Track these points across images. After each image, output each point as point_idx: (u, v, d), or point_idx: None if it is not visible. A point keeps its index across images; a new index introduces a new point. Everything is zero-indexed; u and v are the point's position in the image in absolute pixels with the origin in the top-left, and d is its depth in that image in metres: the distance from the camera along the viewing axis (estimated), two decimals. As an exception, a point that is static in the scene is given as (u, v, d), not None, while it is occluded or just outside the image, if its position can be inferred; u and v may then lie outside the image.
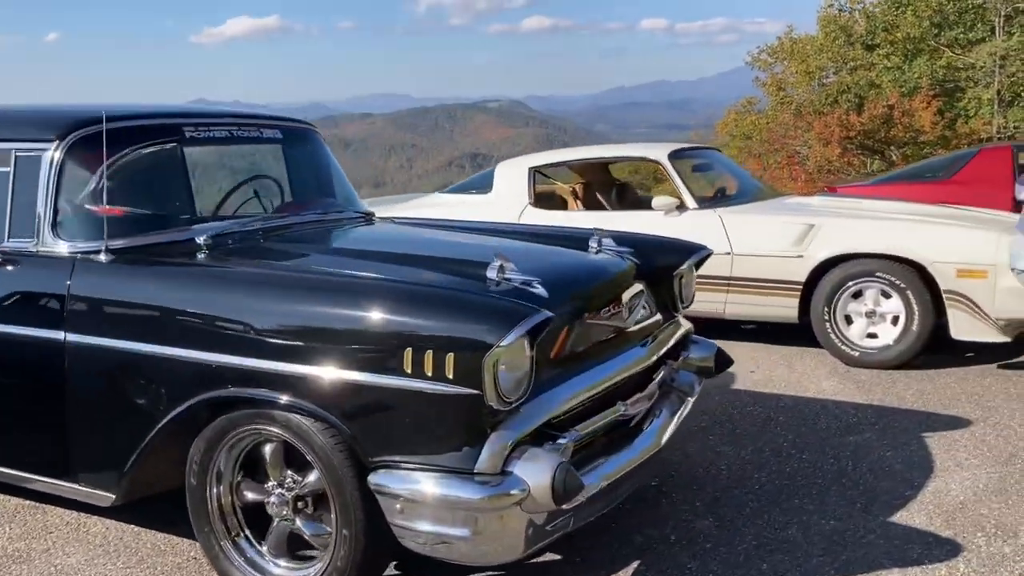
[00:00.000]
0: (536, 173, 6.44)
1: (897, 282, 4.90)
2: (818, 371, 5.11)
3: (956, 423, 4.17)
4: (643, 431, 2.93)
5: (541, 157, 6.74)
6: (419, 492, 2.28)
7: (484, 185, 6.61)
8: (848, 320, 5.13)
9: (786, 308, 5.26)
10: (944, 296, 4.81)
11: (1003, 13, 25.80)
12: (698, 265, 3.62)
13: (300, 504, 2.54)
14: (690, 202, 5.66)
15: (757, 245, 5.31)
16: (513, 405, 2.29)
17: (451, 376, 2.22)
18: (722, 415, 4.34)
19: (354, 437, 2.34)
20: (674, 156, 5.93)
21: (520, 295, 2.51)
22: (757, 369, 5.16)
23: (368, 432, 2.35)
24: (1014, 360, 5.13)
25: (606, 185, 6.90)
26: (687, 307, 3.57)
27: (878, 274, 4.96)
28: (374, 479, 2.34)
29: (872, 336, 5.09)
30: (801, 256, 5.14)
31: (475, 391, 2.21)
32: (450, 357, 2.21)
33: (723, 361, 3.52)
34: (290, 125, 3.98)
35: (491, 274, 2.57)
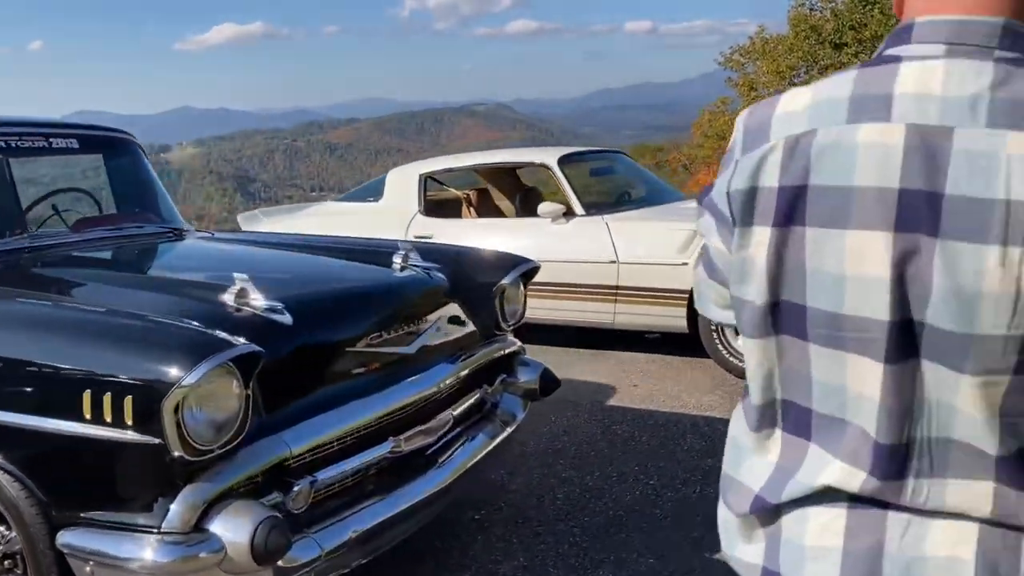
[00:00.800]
0: (427, 180, 6.18)
1: None
2: (704, 384, 4.88)
3: None
4: (435, 465, 2.67)
5: (433, 163, 6.49)
6: (106, 554, 2.00)
7: (376, 192, 6.32)
8: (736, 329, 4.70)
9: (675, 318, 4.99)
10: None
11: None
12: (527, 279, 3.35)
13: (7, 563, 2.25)
14: (578, 208, 5.40)
15: (642, 252, 5.05)
16: (214, 452, 2.02)
17: (129, 421, 1.93)
18: (581, 435, 4.07)
19: (40, 490, 2.07)
20: (565, 161, 5.68)
21: (251, 323, 2.24)
22: (641, 383, 4.91)
23: (54, 485, 2.07)
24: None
25: (511, 191, 6.65)
26: (515, 325, 3.30)
27: None
28: (62, 538, 2.05)
29: None
30: (686, 263, 4.81)
31: (155, 439, 1.93)
32: (128, 399, 1.93)
33: (549, 383, 3.23)
34: (96, 135, 3.70)
35: (228, 299, 2.30)
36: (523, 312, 3.35)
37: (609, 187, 6.30)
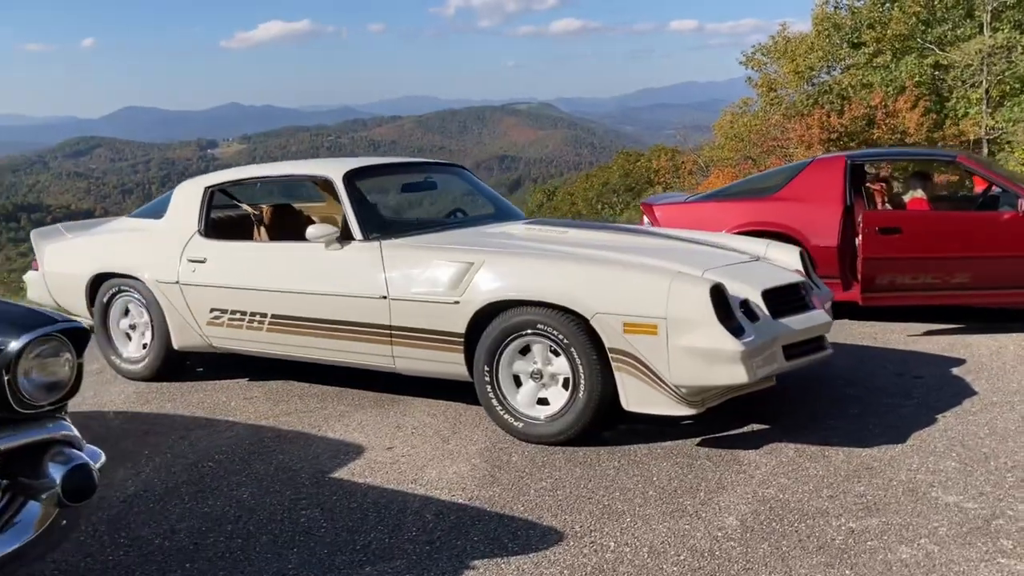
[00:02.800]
0: (214, 193, 5.40)
1: (560, 336, 3.93)
2: (468, 449, 4.07)
3: (545, 537, 3.17)
4: None
5: (223, 175, 5.59)
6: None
7: (162, 209, 5.52)
8: (518, 381, 4.17)
9: (454, 364, 4.30)
10: (610, 356, 3.85)
11: (990, 8, 25.58)
12: (78, 347, 2.63)
13: None
14: (357, 232, 4.65)
15: (411, 287, 4.33)
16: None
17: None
18: (260, 516, 3.43)
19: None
20: (357, 175, 4.97)
21: None
22: (400, 444, 4.20)
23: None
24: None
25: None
26: (54, 404, 2.60)
27: (540, 326, 3.97)
28: None
29: (543, 402, 4.11)
30: (457, 302, 4.19)
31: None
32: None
33: (80, 485, 2.49)
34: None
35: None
36: (71, 386, 2.62)
37: (425, 206, 5.94)
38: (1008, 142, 24.72)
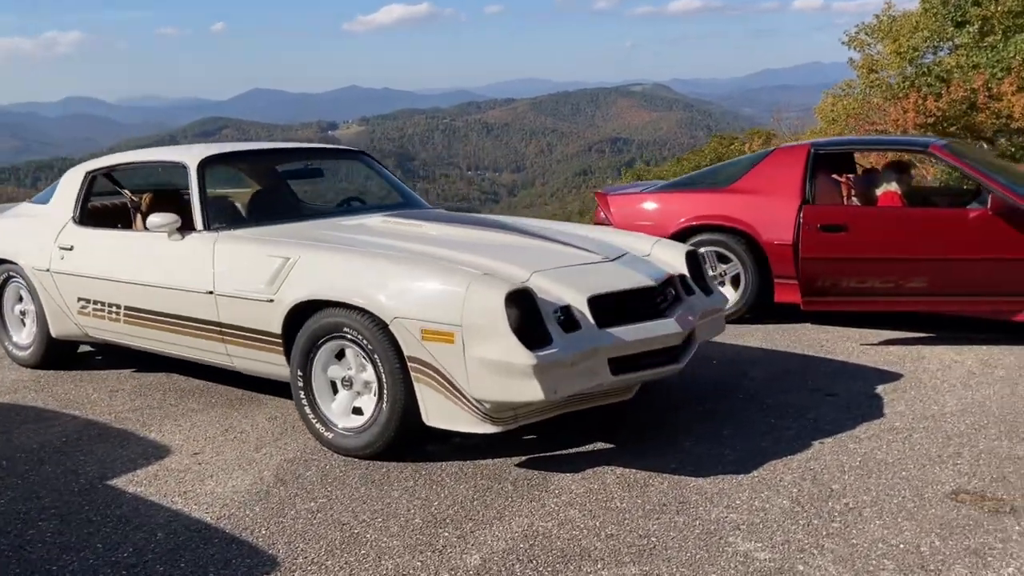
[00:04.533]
0: (94, 179, 5.17)
1: (364, 342, 3.61)
2: (272, 460, 3.76)
3: (255, 569, 2.87)
4: None
5: (103, 160, 5.35)
6: None
7: (51, 194, 5.37)
8: (336, 388, 3.87)
9: (279, 366, 4.02)
10: (408, 365, 3.50)
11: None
12: None
13: None
14: (198, 222, 4.42)
15: (235, 283, 4.09)
16: None
17: None
18: None
19: None
20: (210, 163, 4.69)
21: None
22: (207, 451, 3.92)
23: None
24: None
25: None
26: None
27: (345, 329, 3.67)
28: None
29: (358, 412, 3.80)
30: (272, 300, 3.90)
31: None
32: None
33: None
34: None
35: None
36: None
37: (300, 194, 5.53)
38: None
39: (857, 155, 6.94)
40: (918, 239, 5.28)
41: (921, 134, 25.29)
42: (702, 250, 6.13)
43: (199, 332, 4.28)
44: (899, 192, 5.88)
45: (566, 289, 3.60)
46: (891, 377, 4.82)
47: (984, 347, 5.34)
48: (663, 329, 3.71)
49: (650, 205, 6.43)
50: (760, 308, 6.10)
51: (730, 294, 6.10)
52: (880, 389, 4.61)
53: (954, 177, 7.85)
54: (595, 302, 3.59)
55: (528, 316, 3.38)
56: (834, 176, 6.20)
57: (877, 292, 5.33)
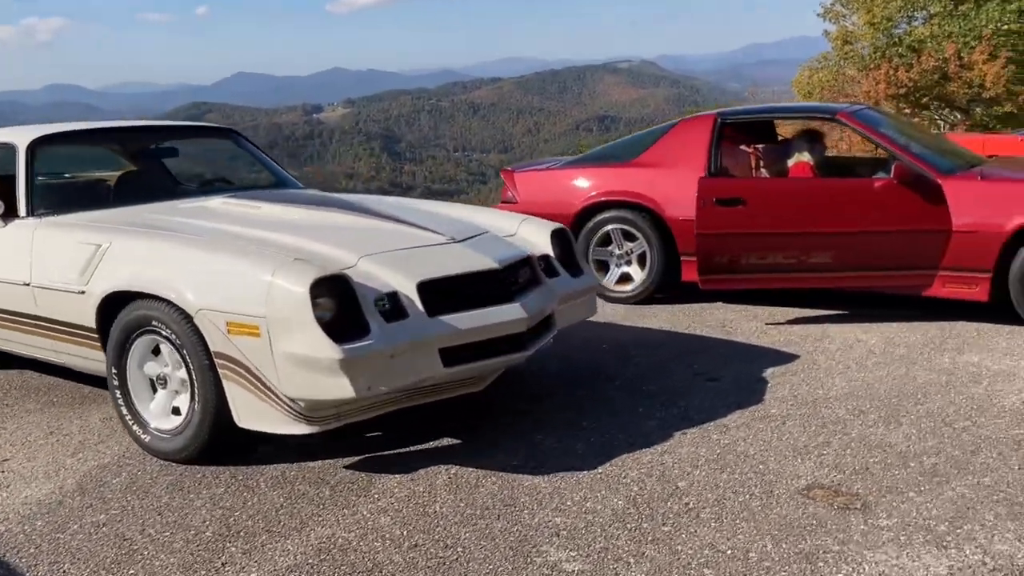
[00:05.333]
0: None
1: (174, 336, 3.33)
2: (85, 466, 3.47)
3: None
4: None
5: None
6: None
7: None
8: (153, 386, 3.54)
9: (100, 362, 3.67)
10: (216, 361, 3.19)
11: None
12: None
13: None
14: (21, 208, 4.06)
15: (50, 273, 3.76)
16: None
17: None
18: None
19: None
20: (42, 143, 4.31)
21: None
22: (18, 457, 3.63)
23: None
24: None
25: None
26: None
27: (155, 323, 3.37)
28: None
29: (177, 412, 3.48)
30: (83, 292, 3.58)
31: None
32: None
33: None
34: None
35: None
36: None
37: (157, 175, 5.08)
38: None
39: (778, 124, 6.63)
40: (821, 212, 4.97)
41: (894, 105, 25.02)
42: (609, 228, 5.83)
43: (23, 327, 3.97)
44: (811, 162, 5.58)
45: (395, 274, 3.29)
46: (786, 358, 4.53)
47: (893, 324, 5.06)
48: (505, 315, 3.40)
49: (556, 182, 6.12)
50: (672, 288, 5.81)
51: (637, 273, 5.82)
52: (770, 372, 4.32)
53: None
54: (426, 287, 3.28)
55: (344, 305, 3.08)
56: (742, 147, 5.89)
57: (779, 269, 5.03)
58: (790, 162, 5.64)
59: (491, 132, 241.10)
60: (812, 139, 5.69)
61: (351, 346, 2.97)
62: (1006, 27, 24.93)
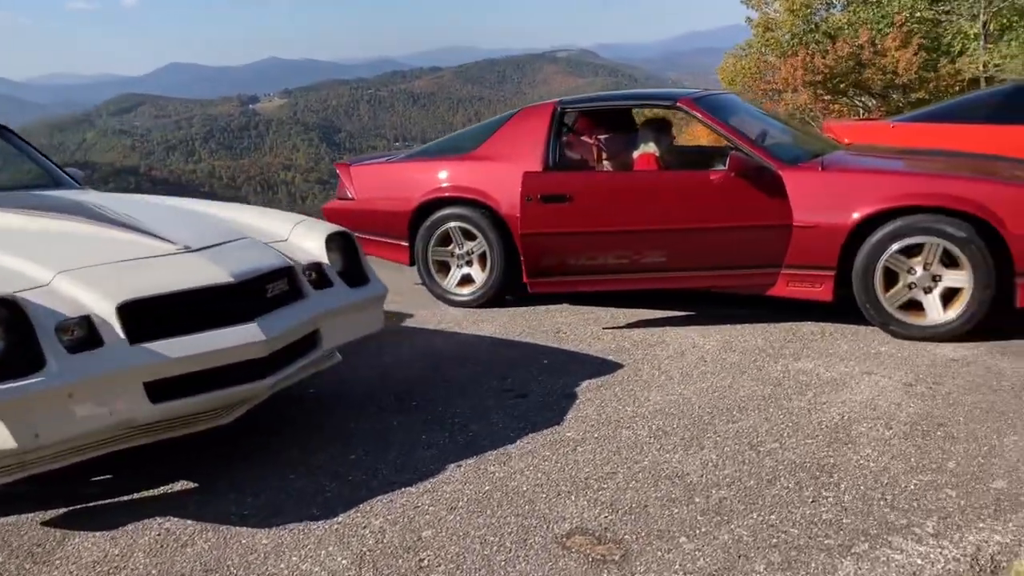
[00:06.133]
0: None
1: None
2: None
3: None
4: None
5: None
6: None
7: None
8: None
9: None
10: None
11: (989, -66, 23.41)
12: None
13: None
14: None
15: None
16: None
17: None
18: None
19: None
20: None
21: None
22: None
23: None
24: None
25: None
26: None
27: None
28: None
29: None
30: None
31: None
32: None
33: None
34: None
35: None
36: None
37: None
38: (1002, 80, 22.62)
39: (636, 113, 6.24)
40: (653, 208, 4.58)
41: (812, 92, 25.07)
42: (448, 226, 5.38)
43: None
44: (656, 154, 5.18)
45: (93, 294, 2.78)
46: (609, 368, 4.13)
47: (737, 326, 4.69)
48: (236, 338, 2.91)
49: (393, 176, 5.63)
50: (519, 289, 5.37)
51: (478, 275, 5.37)
52: (584, 386, 3.91)
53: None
54: (129, 309, 2.78)
55: (15, 335, 2.57)
56: (584, 138, 5.48)
57: (611, 270, 4.63)
58: (635, 153, 5.24)
59: (431, 122, 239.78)
60: (659, 128, 5.29)
61: (7, 386, 2.47)
62: (919, 14, 25.18)
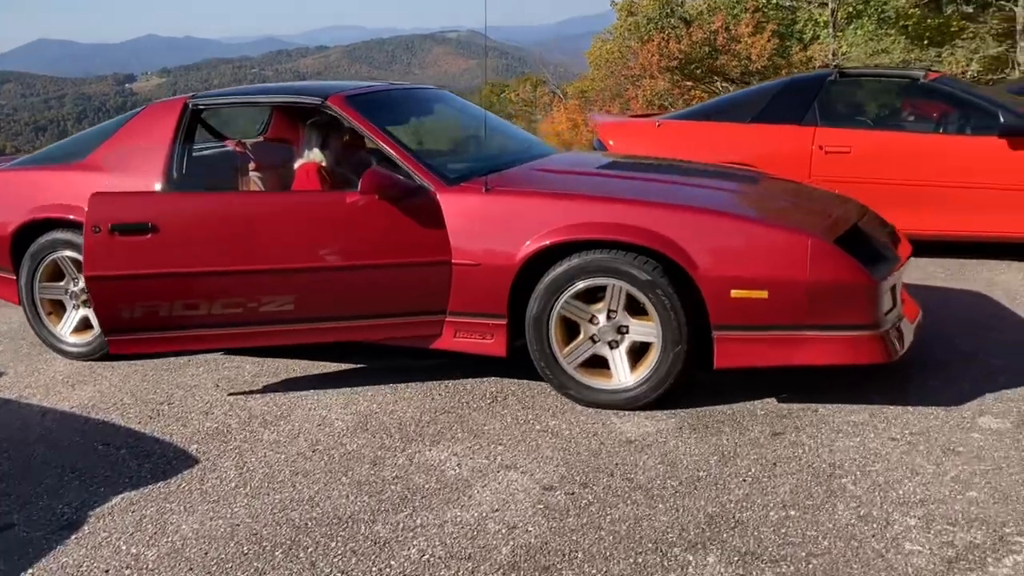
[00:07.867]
0: None
1: None
2: None
3: None
4: None
5: None
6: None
7: None
8: None
9: None
10: None
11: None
12: None
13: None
14: None
15: None
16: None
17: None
18: None
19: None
20: None
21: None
22: None
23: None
24: None
25: None
26: None
27: None
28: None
29: None
30: None
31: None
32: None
33: None
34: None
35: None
36: None
37: None
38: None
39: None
40: (272, 240, 3.48)
41: (671, 79, 24.56)
42: (62, 254, 4.16)
43: None
44: (321, 164, 4.08)
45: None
46: (174, 469, 3.02)
47: (400, 387, 3.66)
48: None
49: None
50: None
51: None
52: (103, 509, 2.80)
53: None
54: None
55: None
56: (227, 143, 4.37)
57: (219, 322, 3.51)
58: (296, 164, 4.14)
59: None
60: (327, 131, 4.19)
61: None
62: (774, 1, 25.06)
